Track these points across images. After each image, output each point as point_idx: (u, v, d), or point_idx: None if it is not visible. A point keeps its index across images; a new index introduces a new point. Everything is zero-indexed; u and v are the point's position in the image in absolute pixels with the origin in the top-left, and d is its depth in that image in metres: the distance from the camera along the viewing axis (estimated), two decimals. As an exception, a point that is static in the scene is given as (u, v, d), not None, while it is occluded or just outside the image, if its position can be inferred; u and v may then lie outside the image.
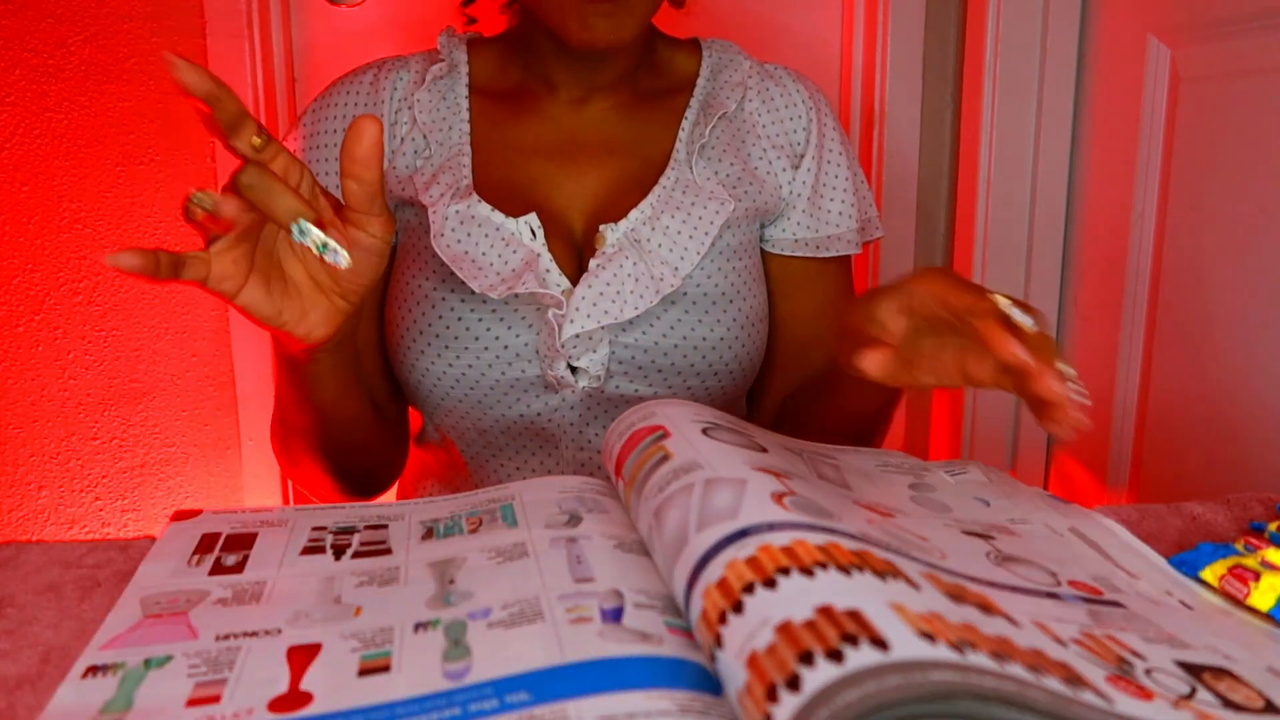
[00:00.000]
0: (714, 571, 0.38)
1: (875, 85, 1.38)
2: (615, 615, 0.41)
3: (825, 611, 0.33)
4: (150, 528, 1.38)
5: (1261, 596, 0.45)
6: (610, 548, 0.48)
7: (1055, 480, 1.32)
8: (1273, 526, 0.52)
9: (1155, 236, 1.06)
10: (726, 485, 0.43)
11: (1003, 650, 0.33)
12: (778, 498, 0.42)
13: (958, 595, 0.38)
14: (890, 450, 0.64)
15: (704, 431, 0.51)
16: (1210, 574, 0.47)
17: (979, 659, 0.31)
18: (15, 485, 1.33)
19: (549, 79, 0.81)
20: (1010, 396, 1.33)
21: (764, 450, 0.51)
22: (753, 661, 0.33)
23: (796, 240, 0.82)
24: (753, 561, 0.37)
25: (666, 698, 0.35)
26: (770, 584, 0.35)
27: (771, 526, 0.39)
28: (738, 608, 0.35)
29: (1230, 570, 0.47)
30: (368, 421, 0.79)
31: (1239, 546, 0.49)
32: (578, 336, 0.73)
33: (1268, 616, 0.45)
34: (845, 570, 0.36)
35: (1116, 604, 0.44)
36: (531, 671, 0.37)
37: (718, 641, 0.35)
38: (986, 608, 0.38)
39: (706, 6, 1.34)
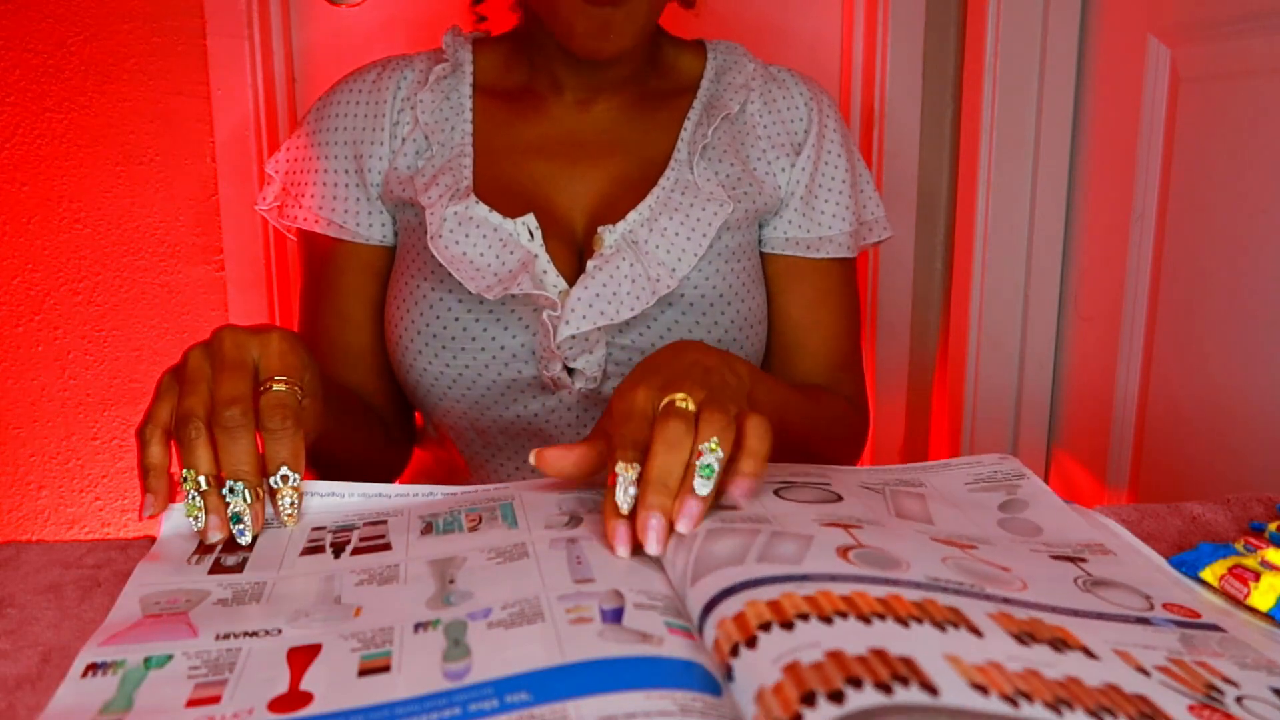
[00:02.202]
0: (766, 593, 0.38)
1: (875, 85, 1.38)
2: (615, 616, 0.41)
3: (879, 653, 0.34)
4: (150, 527, 1.38)
5: (1261, 596, 0.45)
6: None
7: (1055, 480, 1.32)
8: (1273, 526, 0.52)
9: (1155, 236, 1.06)
10: (792, 539, 0.44)
11: (1067, 695, 0.33)
12: (843, 552, 0.43)
13: (1029, 634, 0.38)
14: (984, 456, 0.63)
15: (776, 492, 0.52)
16: (1210, 574, 0.47)
17: (1034, 710, 0.32)
18: (15, 485, 1.33)
19: (555, 79, 0.81)
20: (1010, 396, 1.33)
21: (839, 499, 0.52)
22: (793, 669, 0.33)
23: (788, 239, 0.82)
24: (811, 600, 0.37)
25: (667, 698, 0.35)
26: (826, 620, 0.36)
27: (833, 577, 0.40)
28: (787, 625, 0.36)
29: (1230, 570, 0.47)
30: (371, 442, 0.80)
31: (1239, 546, 0.49)
32: (574, 338, 0.73)
33: (1268, 616, 0.45)
34: (904, 622, 0.36)
35: (1215, 627, 0.43)
36: (531, 671, 0.37)
37: (750, 643, 0.35)
38: (1062, 642, 0.38)
39: (707, 6, 1.34)
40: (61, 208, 1.28)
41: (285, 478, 0.53)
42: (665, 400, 0.51)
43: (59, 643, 0.44)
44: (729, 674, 0.35)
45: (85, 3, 1.23)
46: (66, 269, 1.29)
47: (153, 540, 0.53)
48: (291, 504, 0.53)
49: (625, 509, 0.48)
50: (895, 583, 0.40)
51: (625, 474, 0.49)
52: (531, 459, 0.53)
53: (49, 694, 0.39)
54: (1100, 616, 0.42)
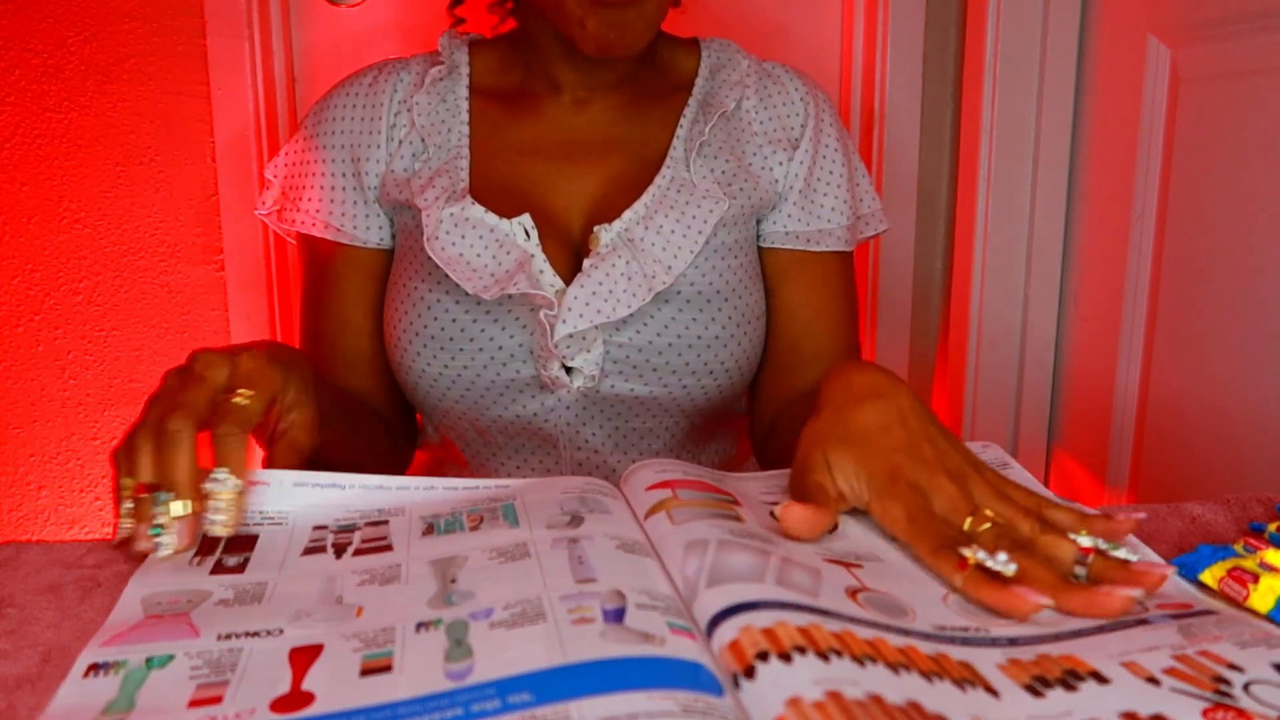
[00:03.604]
0: (795, 618, 0.39)
1: (875, 85, 1.38)
2: (617, 616, 0.41)
3: (915, 706, 0.34)
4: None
5: (1261, 598, 0.45)
6: (612, 548, 0.48)
7: (1055, 480, 1.32)
8: (1272, 527, 0.52)
9: (1155, 236, 1.06)
10: (803, 570, 0.44)
11: None
12: (852, 594, 0.43)
13: (1041, 680, 0.38)
14: (970, 445, 0.62)
15: (771, 513, 0.52)
16: (1209, 576, 0.47)
17: None
18: (15, 485, 1.33)
19: (553, 80, 0.81)
20: (1010, 396, 1.33)
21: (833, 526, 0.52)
22: (836, 697, 0.33)
23: (787, 233, 0.82)
24: (839, 638, 0.38)
25: (669, 698, 0.35)
26: (858, 661, 0.36)
27: (852, 619, 0.40)
28: (822, 656, 0.36)
29: (1229, 572, 0.47)
30: (374, 445, 0.80)
31: (1238, 548, 0.49)
32: (571, 336, 0.73)
33: (1267, 618, 0.45)
34: (926, 677, 0.37)
35: (1208, 611, 0.44)
36: (534, 672, 0.37)
37: (785, 657, 0.36)
38: (1073, 674, 0.38)
39: (707, 5, 1.34)
40: (61, 208, 1.28)
41: (218, 480, 0.51)
42: (983, 528, 0.48)
43: (59, 643, 0.44)
44: (750, 673, 0.36)
45: (85, 3, 1.23)
46: (66, 269, 1.29)
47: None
48: (225, 509, 0.51)
49: (1011, 573, 0.44)
50: (908, 633, 0.41)
51: (983, 554, 0.45)
52: (777, 511, 0.50)
53: (49, 694, 0.39)
54: (1101, 630, 0.42)
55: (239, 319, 1.34)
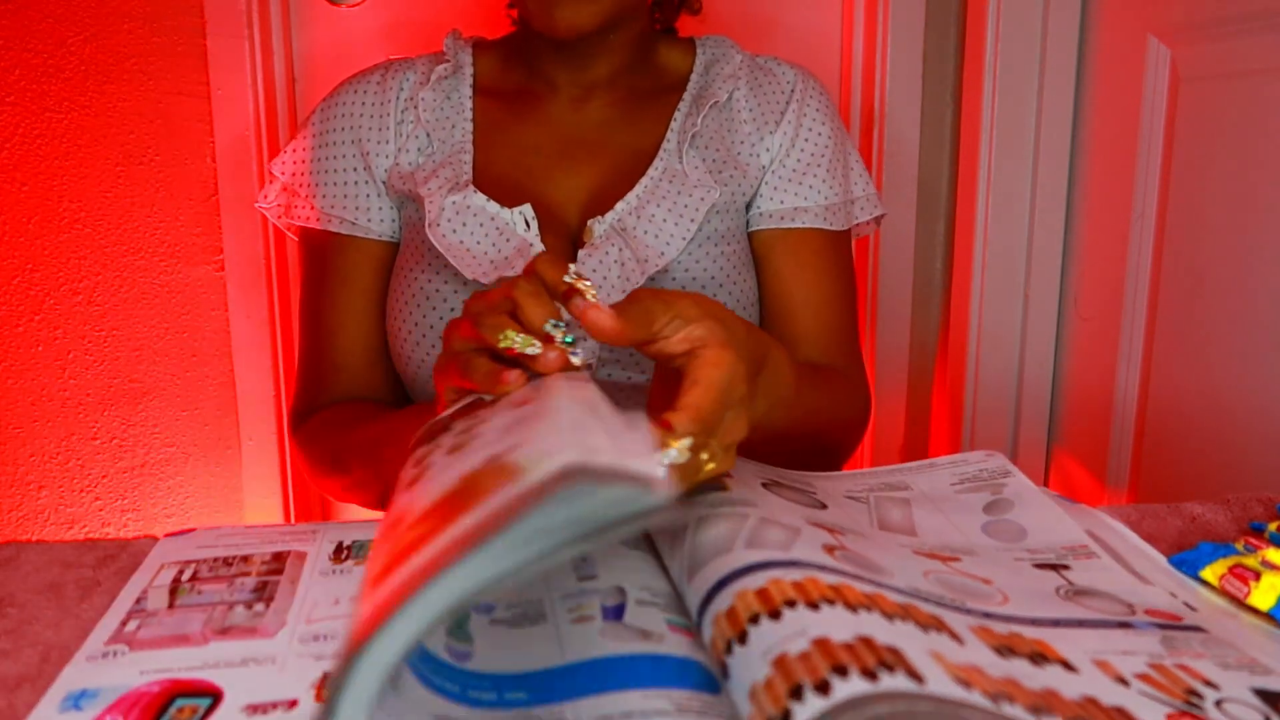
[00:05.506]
0: (754, 581, 0.38)
1: (875, 85, 1.38)
2: (617, 613, 0.41)
3: (866, 641, 0.33)
4: (150, 527, 1.38)
5: (1262, 596, 0.45)
6: (614, 544, 0.48)
7: (1055, 480, 1.32)
8: (1273, 526, 0.52)
9: (1155, 236, 1.06)
10: (780, 528, 0.44)
11: (1045, 704, 0.33)
12: (829, 549, 0.43)
13: (1008, 648, 0.38)
14: (970, 454, 0.62)
15: (764, 485, 0.52)
16: (1210, 574, 0.47)
17: (1015, 710, 0.32)
18: (15, 485, 1.33)
19: (550, 79, 0.82)
20: (1010, 396, 1.33)
21: (823, 507, 0.52)
22: (780, 662, 0.33)
23: (763, 213, 0.82)
24: (798, 586, 0.37)
25: (664, 697, 0.35)
26: (813, 606, 0.36)
27: (821, 567, 0.40)
28: (775, 615, 0.35)
29: (1230, 570, 0.47)
30: None
31: (1239, 546, 0.49)
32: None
33: (1268, 616, 0.45)
34: (889, 617, 0.36)
35: (1196, 628, 0.43)
36: (531, 672, 0.37)
37: (741, 639, 0.35)
38: (1041, 655, 0.38)
39: (707, 5, 1.34)
40: (61, 208, 1.28)
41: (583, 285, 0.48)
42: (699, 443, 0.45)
43: (59, 642, 0.44)
44: (725, 672, 0.35)
45: (85, 3, 1.23)
46: (66, 269, 1.29)
47: (155, 540, 0.53)
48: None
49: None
50: (880, 585, 0.40)
51: (680, 445, 0.43)
52: (572, 270, 0.47)
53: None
54: (1081, 624, 0.42)
55: (239, 319, 1.34)
